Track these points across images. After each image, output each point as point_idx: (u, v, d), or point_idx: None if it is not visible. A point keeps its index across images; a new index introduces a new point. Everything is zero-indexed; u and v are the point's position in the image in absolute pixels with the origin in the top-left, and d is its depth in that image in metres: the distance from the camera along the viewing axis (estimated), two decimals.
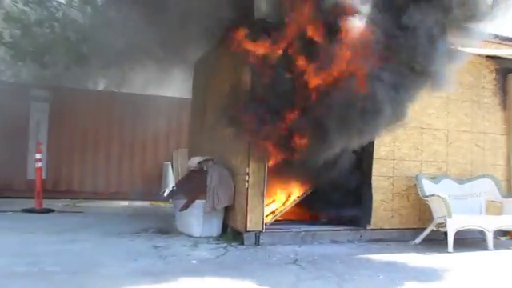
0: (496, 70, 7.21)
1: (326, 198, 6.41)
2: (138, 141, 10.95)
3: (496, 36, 7.15)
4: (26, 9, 11.00)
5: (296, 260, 5.04)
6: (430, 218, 6.33)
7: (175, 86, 10.78)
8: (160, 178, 10.71)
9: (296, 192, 6.53)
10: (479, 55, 7.00)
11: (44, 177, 9.21)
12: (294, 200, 6.43)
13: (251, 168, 5.76)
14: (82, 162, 10.73)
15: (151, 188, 10.23)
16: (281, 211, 6.31)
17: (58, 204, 8.98)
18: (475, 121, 7.09)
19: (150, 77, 10.72)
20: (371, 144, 6.17)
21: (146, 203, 10.05)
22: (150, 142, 11.09)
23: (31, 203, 8.31)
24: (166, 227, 6.76)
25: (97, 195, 10.42)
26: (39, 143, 8.90)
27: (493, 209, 6.87)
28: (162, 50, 10.19)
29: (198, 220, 6.22)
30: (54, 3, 11.05)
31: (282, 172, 6.11)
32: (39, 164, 8.67)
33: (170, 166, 10.52)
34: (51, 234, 6.04)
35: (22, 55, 10.85)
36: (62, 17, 11.08)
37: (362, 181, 6.45)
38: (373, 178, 6.38)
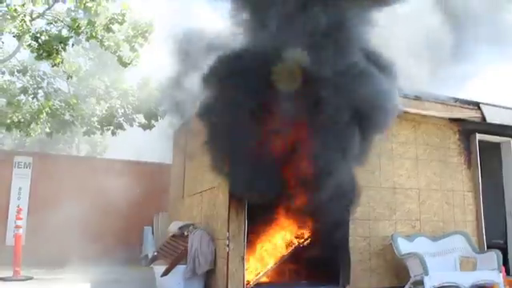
0: (459, 131, 7.67)
1: (306, 257, 6.55)
2: (119, 205, 10.98)
3: (456, 100, 7.71)
4: (12, 79, 11.35)
5: None
6: (407, 277, 6.44)
7: (156, 151, 11.04)
8: (140, 242, 10.67)
9: (277, 253, 6.64)
10: (443, 118, 7.49)
11: (23, 243, 9.10)
12: (275, 263, 6.53)
13: (231, 232, 5.90)
14: (63, 227, 10.66)
15: (132, 253, 10.16)
16: (261, 274, 6.39)
17: (36, 271, 8.82)
18: (444, 179, 7.43)
19: (134, 142, 10.98)
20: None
21: (126, 268, 9.93)
22: (131, 207, 11.11)
23: (10, 270, 8.18)
24: None
25: (77, 261, 10.27)
26: (20, 209, 8.87)
27: (467, 264, 7.05)
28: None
29: (179, 285, 6.24)
30: (40, 72, 11.43)
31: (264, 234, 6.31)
32: (19, 231, 8.60)
33: (150, 231, 10.52)
34: None
35: (8, 125, 11.02)
36: (46, 85, 11.42)
37: (339, 241, 6.60)
38: (350, 238, 6.55)
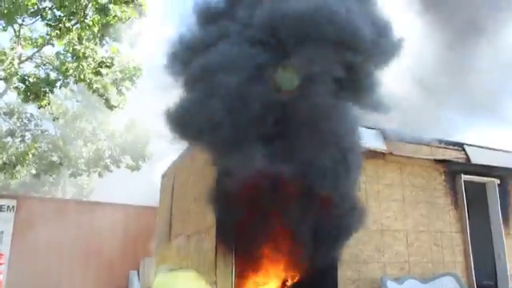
0: (445, 172, 7.71)
1: None
2: (104, 250, 10.74)
3: (441, 141, 7.82)
4: None
5: None
6: None
7: (143, 194, 10.92)
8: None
9: None
10: (428, 159, 7.56)
11: None
12: None
13: (218, 278, 5.78)
14: (45, 273, 10.35)
15: None
16: None
17: None
18: (431, 221, 7.40)
19: (118, 184, 10.87)
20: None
21: None
22: (117, 251, 10.87)
23: None
24: None
25: None
26: (1, 255, 8.65)
27: None
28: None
29: None
30: (27, 114, 11.40)
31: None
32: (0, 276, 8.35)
33: (136, 276, 10.26)
34: None
35: None
36: (34, 127, 11.38)
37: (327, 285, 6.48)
38: (338, 281, 6.43)
